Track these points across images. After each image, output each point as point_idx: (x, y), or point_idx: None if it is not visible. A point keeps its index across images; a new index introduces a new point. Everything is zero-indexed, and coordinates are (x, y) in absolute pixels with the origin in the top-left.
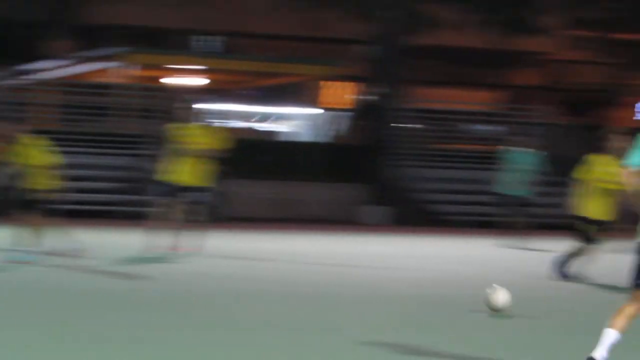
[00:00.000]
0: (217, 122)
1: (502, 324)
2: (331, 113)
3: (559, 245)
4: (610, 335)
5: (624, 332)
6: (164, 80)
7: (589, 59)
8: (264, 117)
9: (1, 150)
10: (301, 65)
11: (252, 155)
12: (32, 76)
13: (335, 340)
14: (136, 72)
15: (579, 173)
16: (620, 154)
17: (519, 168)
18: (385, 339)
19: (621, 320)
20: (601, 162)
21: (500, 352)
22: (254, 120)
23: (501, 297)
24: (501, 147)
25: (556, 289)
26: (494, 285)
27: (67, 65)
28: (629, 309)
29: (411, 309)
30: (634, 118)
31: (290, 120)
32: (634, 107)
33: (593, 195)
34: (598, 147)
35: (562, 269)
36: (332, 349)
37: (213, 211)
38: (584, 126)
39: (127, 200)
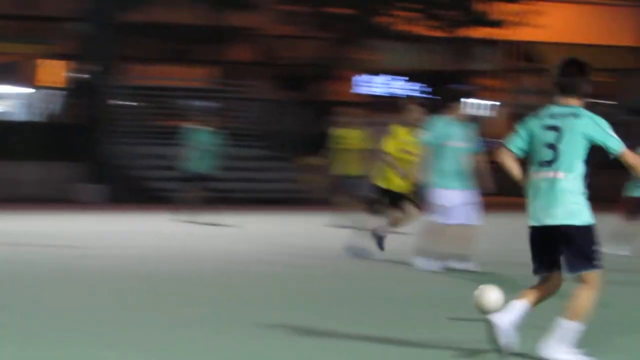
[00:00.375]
0: None
1: (209, 298)
2: (45, 92)
3: (255, 220)
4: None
5: (534, 307)
6: None
7: (303, 34)
8: None
9: None
10: (12, 44)
11: None
12: None
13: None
14: None
15: (380, 144)
16: (417, 124)
17: (200, 145)
18: (82, 316)
19: (532, 294)
20: (400, 133)
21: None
22: None
23: (493, 296)
24: (185, 125)
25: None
26: (480, 286)
27: None
28: (536, 290)
29: (121, 285)
30: (351, 92)
31: (3, 100)
32: (350, 80)
33: (392, 165)
34: (399, 120)
35: (355, 246)
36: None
37: None
38: (299, 101)
39: None
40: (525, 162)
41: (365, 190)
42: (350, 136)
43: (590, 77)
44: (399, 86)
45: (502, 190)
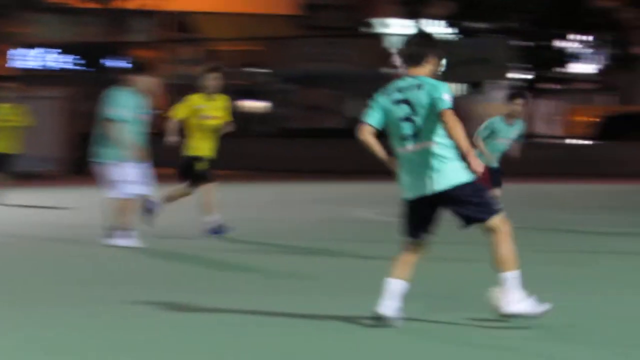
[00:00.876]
0: None
1: None
2: None
3: None
4: (393, 285)
5: (411, 280)
6: None
7: None
8: None
9: None
10: None
11: None
12: None
13: None
14: None
15: (178, 112)
16: (213, 91)
17: None
18: None
19: (403, 268)
20: (197, 100)
21: None
22: None
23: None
24: None
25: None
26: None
27: None
28: (407, 257)
29: None
30: (5, 66)
31: None
32: (4, 54)
33: (195, 133)
34: (197, 87)
35: (150, 214)
36: None
37: None
38: None
39: None
40: (382, 137)
41: (17, 167)
42: (3, 112)
43: (438, 46)
44: (53, 59)
45: (157, 162)
